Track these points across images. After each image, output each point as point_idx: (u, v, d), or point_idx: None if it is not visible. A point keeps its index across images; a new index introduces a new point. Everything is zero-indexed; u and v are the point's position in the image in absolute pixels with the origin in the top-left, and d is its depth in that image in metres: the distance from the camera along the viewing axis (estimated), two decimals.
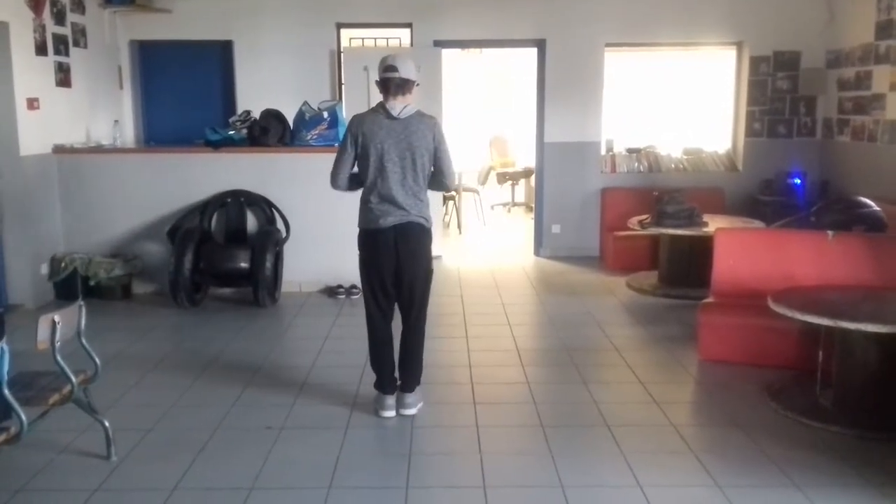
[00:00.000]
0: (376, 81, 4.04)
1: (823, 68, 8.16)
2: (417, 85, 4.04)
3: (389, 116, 3.97)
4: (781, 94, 8.31)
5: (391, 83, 3.95)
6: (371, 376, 4.29)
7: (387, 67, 3.95)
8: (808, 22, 8.09)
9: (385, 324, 4.19)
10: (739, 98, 8.52)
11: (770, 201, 7.85)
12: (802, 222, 6.16)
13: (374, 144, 3.96)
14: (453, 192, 4.27)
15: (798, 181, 7.87)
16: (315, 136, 6.79)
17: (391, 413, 4.16)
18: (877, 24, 7.15)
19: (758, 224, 6.75)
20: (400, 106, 3.97)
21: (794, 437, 3.89)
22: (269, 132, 6.78)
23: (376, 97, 4.14)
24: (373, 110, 4.06)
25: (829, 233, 5.11)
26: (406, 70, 3.96)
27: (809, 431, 3.95)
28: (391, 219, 3.99)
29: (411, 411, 4.18)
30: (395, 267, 4.05)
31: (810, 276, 4.87)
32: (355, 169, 4.13)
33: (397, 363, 4.22)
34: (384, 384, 4.19)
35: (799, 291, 4.46)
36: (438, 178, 4.12)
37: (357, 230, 4.14)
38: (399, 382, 4.22)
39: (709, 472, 3.51)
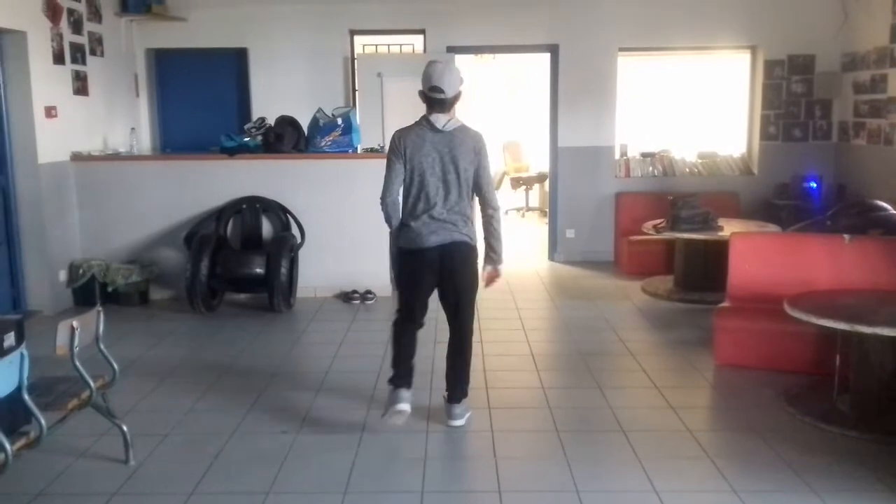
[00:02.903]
0: (419, 92, 3.90)
1: (838, 72, 8.11)
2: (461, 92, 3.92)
3: (434, 129, 3.87)
4: (796, 98, 8.28)
5: (435, 101, 3.86)
6: (385, 382, 4.25)
7: (432, 88, 3.83)
8: (823, 25, 8.06)
9: (414, 326, 4.11)
10: (754, 102, 8.48)
11: (785, 205, 7.81)
12: (818, 226, 6.13)
13: (418, 158, 3.86)
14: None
15: (814, 185, 7.83)
16: (329, 143, 6.82)
17: (405, 406, 3.99)
18: (892, 26, 7.10)
19: (773, 228, 6.72)
20: (444, 119, 3.87)
21: (811, 442, 3.87)
22: (284, 139, 6.82)
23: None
24: (417, 124, 3.94)
25: (846, 236, 5.08)
26: (451, 89, 3.85)
27: (826, 436, 3.93)
28: (435, 238, 3.89)
29: (459, 422, 4.09)
30: (440, 284, 3.99)
31: (827, 280, 4.86)
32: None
33: (445, 375, 4.15)
34: (400, 379, 4.06)
35: (815, 296, 4.44)
36: (478, 195, 4.00)
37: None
38: (446, 394, 4.15)
39: (725, 478, 3.50)
